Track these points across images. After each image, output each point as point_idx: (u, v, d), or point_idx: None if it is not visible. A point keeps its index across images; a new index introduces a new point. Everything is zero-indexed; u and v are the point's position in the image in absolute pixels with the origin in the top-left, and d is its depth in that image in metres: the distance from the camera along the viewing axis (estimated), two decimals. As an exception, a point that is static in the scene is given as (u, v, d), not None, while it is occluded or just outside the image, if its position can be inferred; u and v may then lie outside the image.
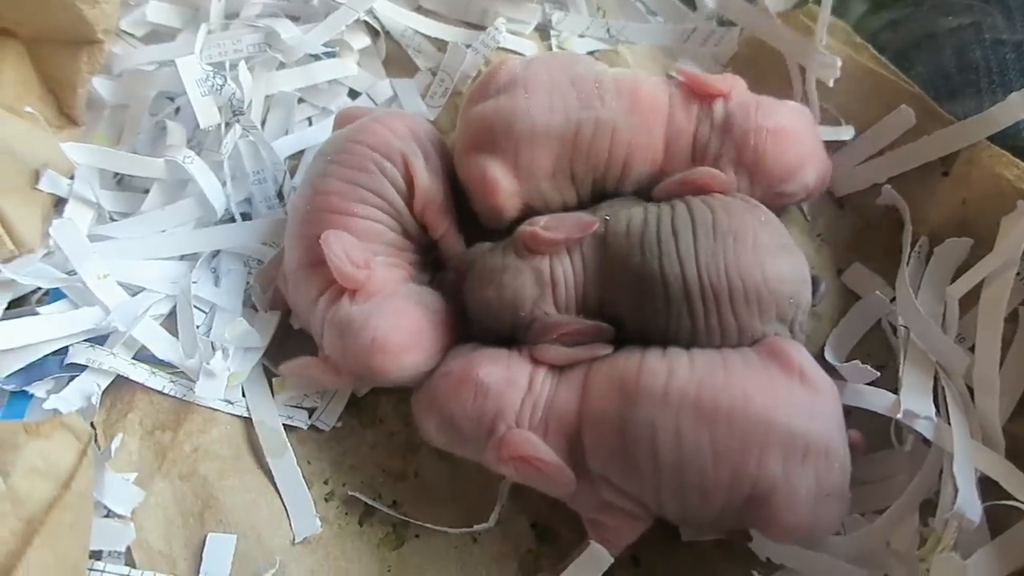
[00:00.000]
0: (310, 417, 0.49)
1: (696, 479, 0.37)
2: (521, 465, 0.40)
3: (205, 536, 0.43)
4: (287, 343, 0.50)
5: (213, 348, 0.48)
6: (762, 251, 0.40)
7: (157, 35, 0.58)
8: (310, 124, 0.58)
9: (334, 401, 0.49)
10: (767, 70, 0.54)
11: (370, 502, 0.46)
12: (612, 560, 0.40)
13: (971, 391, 0.42)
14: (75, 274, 0.49)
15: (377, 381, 0.46)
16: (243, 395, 0.48)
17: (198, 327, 0.49)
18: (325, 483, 0.47)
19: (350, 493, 0.47)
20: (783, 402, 0.38)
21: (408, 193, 0.47)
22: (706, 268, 0.40)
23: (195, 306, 0.50)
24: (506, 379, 0.41)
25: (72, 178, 0.51)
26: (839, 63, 0.50)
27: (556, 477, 0.39)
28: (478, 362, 0.42)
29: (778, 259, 0.41)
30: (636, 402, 0.38)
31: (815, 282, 0.43)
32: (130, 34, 0.57)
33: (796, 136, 0.45)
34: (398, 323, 0.43)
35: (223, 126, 0.53)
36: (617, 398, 0.39)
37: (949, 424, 0.40)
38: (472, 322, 0.45)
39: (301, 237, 0.46)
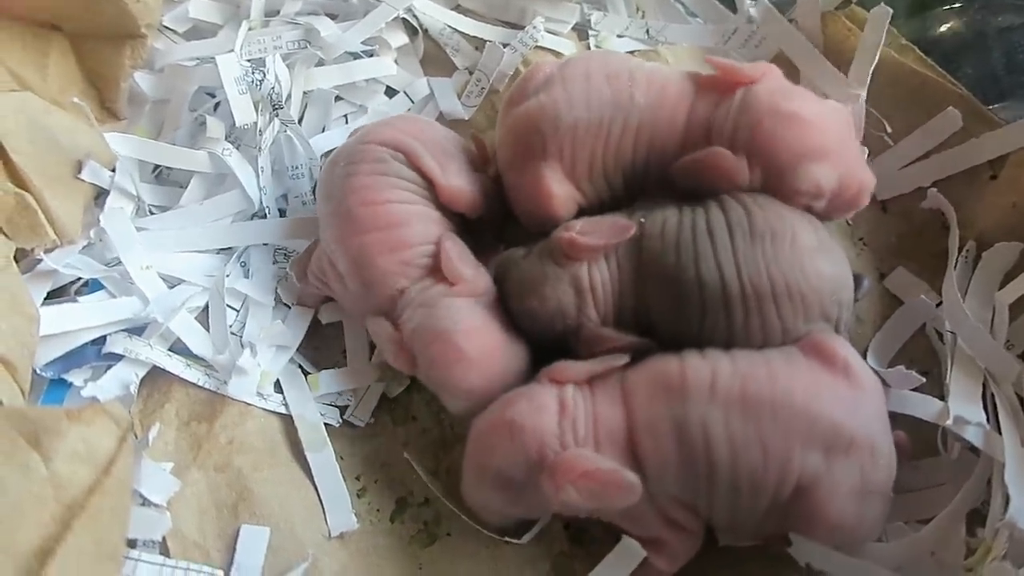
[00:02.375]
0: (343, 414, 0.49)
1: (747, 475, 0.37)
2: (582, 483, 0.37)
3: (239, 528, 0.43)
4: (316, 338, 0.51)
5: (242, 346, 0.48)
6: (801, 249, 0.40)
7: (198, 31, 0.59)
8: (347, 122, 0.58)
9: (365, 400, 0.49)
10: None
11: (422, 473, 0.46)
12: (645, 554, 0.39)
13: (1020, 399, 0.41)
14: (115, 265, 0.50)
15: (431, 380, 0.44)
16: (275, 390, 0.48)
17: (231, 325, 0.49)
18: (357, 479, 0.47)
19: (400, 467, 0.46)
20: (827, 396, 0.37)
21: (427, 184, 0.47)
22: (745, 269, 0.39)
23: (228, 304, 0.50)
24: (534, 408, 0.40)
25: (113, 170, 0.52)
26: (863, 96, 0.49)
27: (621, 482, 0.37)
28: (500, 408, 0.41)
29: (818, 256, 0.40)
30: (686, 401, 0.38)
31: (857, 279, 0.42)
32: (172, 30, 0.58)
33: (811, 125, 0.42)
34: (478, 331, 0.43)
35: (262, 120, 0.53)
36: (665, 400, 0.38)
37: (999, 432, 0.39)
38: (520, 329, 0.45)
39: (351, 236, 0.45)
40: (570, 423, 0.39)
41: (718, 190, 0.43)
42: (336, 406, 0.49)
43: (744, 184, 0.42)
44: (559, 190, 0.45)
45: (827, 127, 0.42)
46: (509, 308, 0.45)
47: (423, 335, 0.43)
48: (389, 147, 0.47)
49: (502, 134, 0.48)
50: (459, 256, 0.45)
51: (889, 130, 0.49)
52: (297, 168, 0.54)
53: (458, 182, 0.47)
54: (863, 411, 0.38)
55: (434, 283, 0.45)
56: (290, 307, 0.51)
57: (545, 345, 0.44)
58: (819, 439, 0.37)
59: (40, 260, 0.47)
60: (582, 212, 0.46)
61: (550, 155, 0.45)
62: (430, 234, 0.46)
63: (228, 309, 0.50)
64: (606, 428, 0.39)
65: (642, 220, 0.43)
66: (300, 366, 0.49)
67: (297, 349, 0.50)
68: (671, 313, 0.41)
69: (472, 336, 0.43)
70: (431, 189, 0.47)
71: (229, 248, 0.52)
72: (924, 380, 0.42)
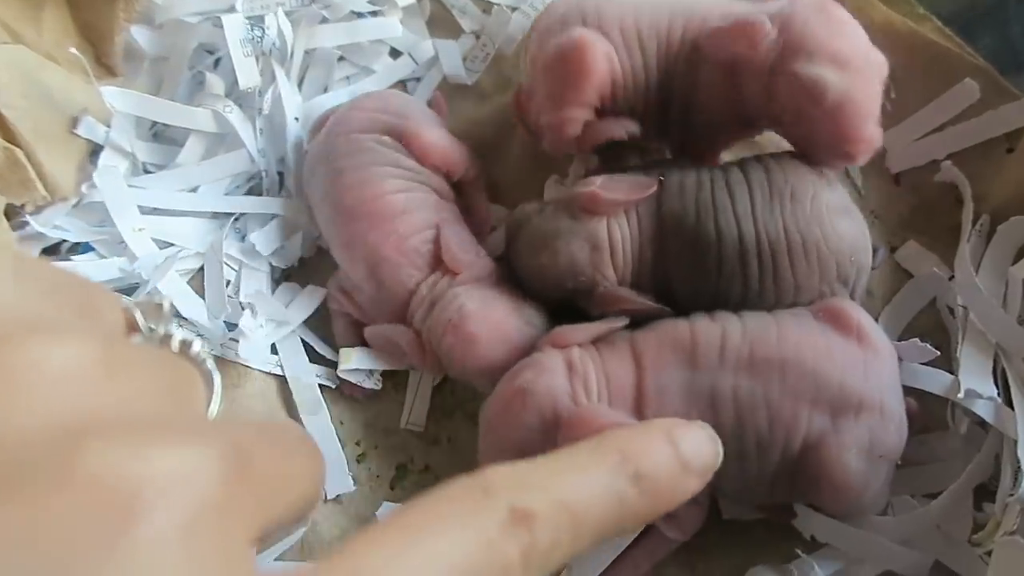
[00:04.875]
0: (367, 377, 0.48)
1: (754, 437, 0.37)
2: None
3: (237, 491, 0.42)
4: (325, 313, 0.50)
5: (242, 308, 0.47)
6: (822, 209, 0.39)
7: (198, -14, 0.57)
8: (348, 83, 0.57)
9: (418, 402, 0.48)
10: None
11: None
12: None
13: (1032, 374, 0.40)
14: (107, 227, 0.49)
15: (455, 371, 0.44)
16: (273, 352, 0.47)
17: (228, 285, 0.48)
18: (357, 444, 0.47)
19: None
20: (837, 358, 0.37)
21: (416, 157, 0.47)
22: (764, 225, 0.39)
23: (226, 263, 0.49)
24: (542, 370, 0.39)
25: (109, 126, 0.50)
26: None
27: None
28: (507, 382, 0.40)
29: (838, 217, 0.40)
30: (696, 363, 0.37)
31: (872, 249, 0.42)
32: (171, -16, 0.56)
33: (846, 33, 0.41)
34: (485, 310, 0.42)
35: (263, 80, 0.52)
36: (675, 362, 0.38)
37: (1011, 407, 0.39)
38: (527, 289, 0.44)
39: (358, 236, 0.45)
40: (581, 381, 0.38)
41: (739, 58, 0.41)
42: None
43: (761, 51, 0.40)
44: (597, 44, 0.43)
45: (859, 45, 0.41)
46: (517, 268, 0.44)
47: (436, 330, 0.43)
48: (369, 133, 0.46)
49: (533, 64, 0.46)
50: (458, 243, 0.44)
51: (892, 95, 0.48)
52: (294, 131, 0.53)
53: (438, 137, 0.47)
54: (875, 374, 0.37)
55: (440, 277, 0.44)
56: (283, 269, 0.50)
57: (552, 306, 0.44)
58: (827, 400, 0.36)
59: (27, 223, 0.46)
60: (614, 105, 0.44)
61: (585, 23, 0.43)
62: (430, 220, 0.45)
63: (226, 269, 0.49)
64: (617, 386, 0.38)
65: (661, 178, 0.42)
66: (303, 339, 0.48)
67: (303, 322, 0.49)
68: (689, 269, 0.41)
69: (480, 317, 0.42)
70: (423, 172, 0.46)
71: (226, 212, 0.51)
72: (939, 353, 0.41)
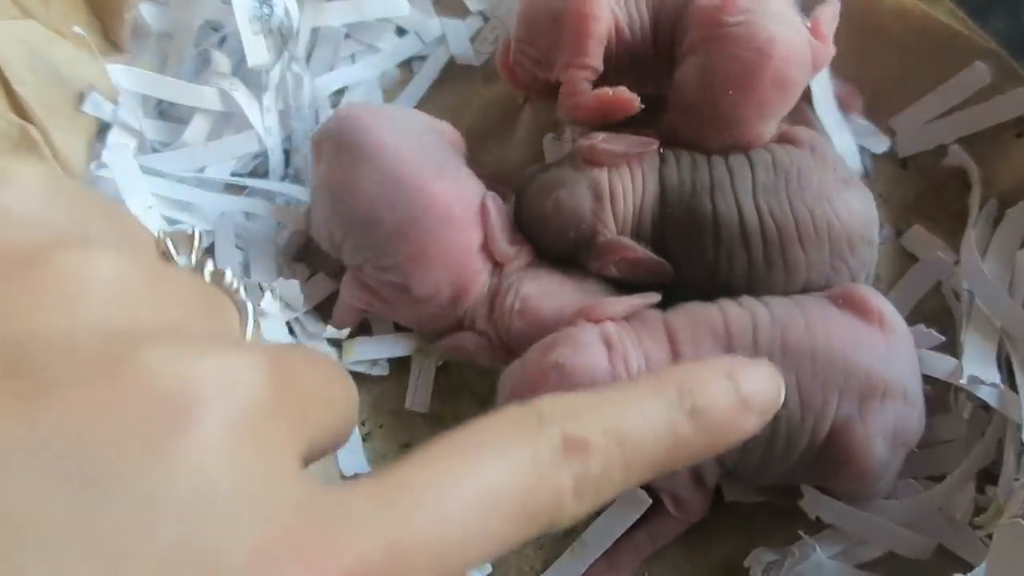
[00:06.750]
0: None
1: (785, 423, 0.37)
2: None
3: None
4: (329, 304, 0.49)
5: (261, 289, 0.47)
6: (829, 185, 0.40)
7: (205, -37, 0.57)
8: (353, 61, 0.57)
9: (422, 384, 0.48)
10: None
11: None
12: (650, 502, 0.39)
13: (1037, 359, 0.40)
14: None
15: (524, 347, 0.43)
16: (290, 332, 0.48)
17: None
18: (363, 424, 0.47)
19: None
20: (862, 345, 0.37)
21: None
22: (766, 202, 0.39)
23: (237, 245, 0.49)
24: (579, 348, 0.37)
25: (116, 103, 0.50)
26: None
27: None
28: (539, 355, 0.38)
29: (846, 191, 0.40)
30: (731, 348, 0.37)
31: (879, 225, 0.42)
32: (177, -40, 0.56)
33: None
34: (540, 286, 0.43)
35: (270, 57, 0.51)
36: (712, 346, 0.38)
37: (1015, 391, 0.39)
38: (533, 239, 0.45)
39: (443, 246, 0.43)
40: (621, 360, 0.37)
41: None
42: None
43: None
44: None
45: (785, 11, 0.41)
46: (523, 222, 0.45)
47: (503, 322, 0.43)
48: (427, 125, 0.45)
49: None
50: (503, 234, 0.44)
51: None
52: (300, 109, 0.53)
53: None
54: (898, 360, 0.38)
55: (492, 273, 0.44)
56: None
57: (555, 261, 0.44)
58: (855, 387, 0.37)
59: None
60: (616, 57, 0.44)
61: None
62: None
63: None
64: (656, 365, 0.38)
65: (662, 151, 0.43)
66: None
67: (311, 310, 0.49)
68: (684, 241, 0.41)
69: (538, 293, 0.42)
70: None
71: (233, 192, 0.52)
72: (944, 339, 0.41)
